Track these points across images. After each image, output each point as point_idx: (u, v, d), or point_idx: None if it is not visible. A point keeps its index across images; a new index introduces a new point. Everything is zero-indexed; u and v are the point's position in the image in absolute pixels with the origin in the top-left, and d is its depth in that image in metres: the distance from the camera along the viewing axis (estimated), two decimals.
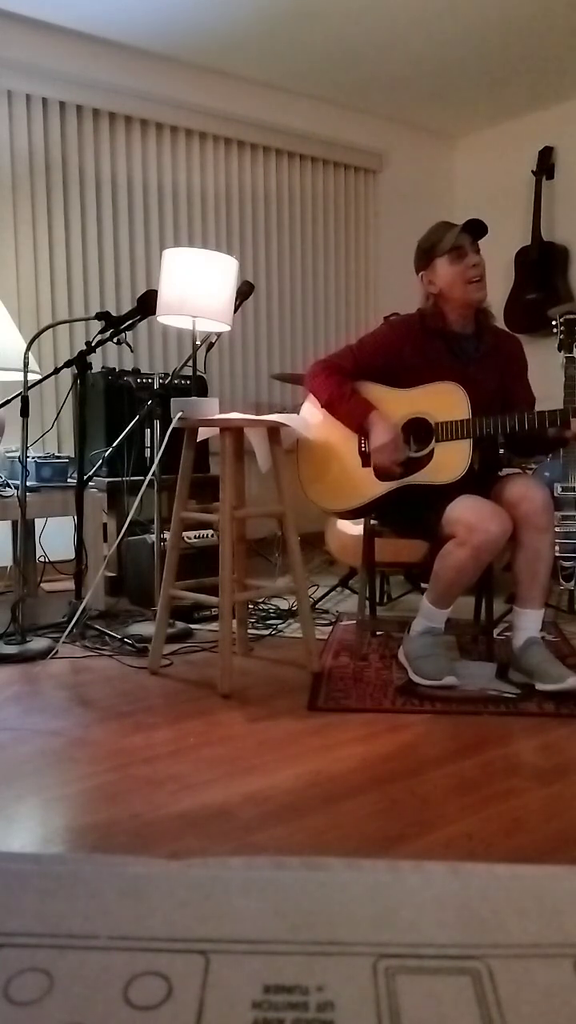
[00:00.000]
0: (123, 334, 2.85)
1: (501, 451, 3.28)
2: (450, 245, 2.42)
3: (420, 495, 2.40)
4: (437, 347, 2.49)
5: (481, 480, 2.39)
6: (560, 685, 2.18)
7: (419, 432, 2.45)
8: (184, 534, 2.91)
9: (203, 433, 2.56)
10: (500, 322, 2.80)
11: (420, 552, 2.83)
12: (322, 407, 2.57)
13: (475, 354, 2.50)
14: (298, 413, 2.68)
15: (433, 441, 2.41)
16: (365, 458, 2.51)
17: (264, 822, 1.57)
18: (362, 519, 2.70)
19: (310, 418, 2.63)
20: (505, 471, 2.85)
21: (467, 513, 2.24)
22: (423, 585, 2.74)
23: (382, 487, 2.47)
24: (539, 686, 2.23)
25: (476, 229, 2.43)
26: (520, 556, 2.31)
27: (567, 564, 3.12)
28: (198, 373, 3.32)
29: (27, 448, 2.77)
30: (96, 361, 3.56)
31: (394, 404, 2.48)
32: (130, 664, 2.59)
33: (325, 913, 0.42)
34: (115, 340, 2.85)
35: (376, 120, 5.11)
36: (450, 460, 2.36)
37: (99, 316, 2.82)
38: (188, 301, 2.62)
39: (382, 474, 2.46)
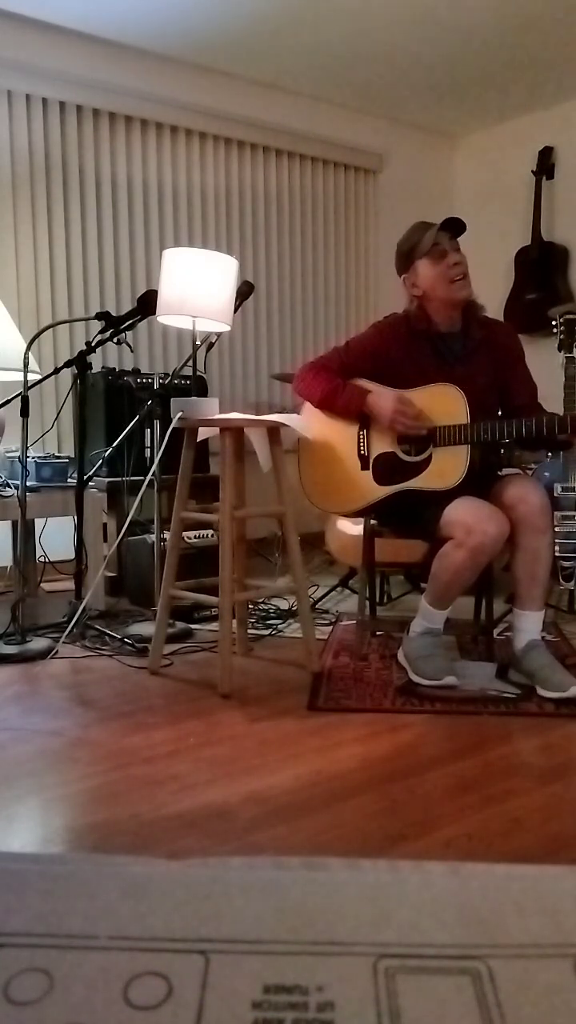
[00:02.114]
0: (123, 334, 2.85)
1: (502, 451, 3.28)
2: (429, 246, 2.41)
3: (419, 497, 2.40)
4: (423, 349, 2.48)
5: (480, 480, 2.38)
6: (563, 694, 2.18)
7: (417, 436, 2.45)
8: (184, 534, 2.91)
9: (203, 433, 2.56)
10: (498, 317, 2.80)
11: (420, 552, 2.83)
12: (316, 406, 2.57)
13: (462, 352, 2.48)
14: (298, 414, 2.68)
15: (431, 446, 2.41)
16: (364, 461, 2.52)
17: (264, 822, 1.57)
18: (362, 519, 2.70)
19: (308, 422, 2.64)
20: (505, 471, 2.85)
21: (465, 515, 2.24)
22: (423, 585, 2.74)
23: (381, 491, 2.47)
24: (541, 692, 2.23)
25: (454, 227, 2.40)
26: (518, 558, 2.30)
27: (567, 564, 3.12)
28: (198, 373, 3.32)
29: (27, 448, 2.77)
30: (96, 361, 3.56)
31: None
32: (130, 664, 2.59)
33: (325, 913, 0.42)
34: (115, 340, 2.85)
35: (376, 120, 5.11)
36: (447, 466, 2.36)
37: (99, 316, 2.82)
38: (188, 301, 2.62)
39: (403, 438, 2.44)
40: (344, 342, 2.62)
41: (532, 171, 4.94)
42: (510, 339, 2.57)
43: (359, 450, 2.52)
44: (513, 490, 2.31)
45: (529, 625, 2.34)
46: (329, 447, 2.58)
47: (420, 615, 2.42)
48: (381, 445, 2.50)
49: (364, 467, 2.51)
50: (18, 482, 2.87)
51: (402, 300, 2.63)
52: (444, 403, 2.38)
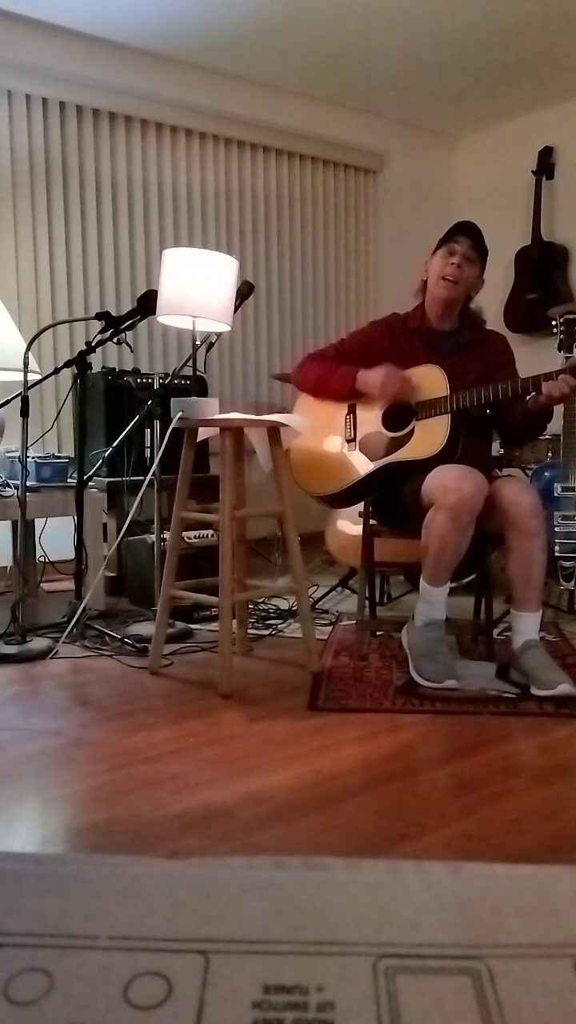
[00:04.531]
0: (123, 334, 2.85)
1: (501, 451, 3.28)
2: (442, 239, 2.55)
3: (406, 478, 2.43)
4: (416, 344, 2.60)
5: None
6: (550, 692, 2.19)
7: (401, 415, 2.54)
8: (184, 534, 2.91)
9: (203, 433, 2.56)
10: (499, 323, 2.85)
11: (420, 552, 2.84)
12: (311, 392, 2.71)
13: (452, 348, 2.60)
14: (293, 408, 2.75)
15: (413, 420, 2.50)
16: (352, 444, 2.63)
17: (264, 822, 1.57)
18: (361, 520, 2.70)
19: (300, 412, 2.73)
20: (505, 471, 2.85)
21: (441, 477, 2.30)
22: None
23: (368, 466, 2.56)
24: (533, 690, 2.24)
25: (467, 230, 2.53)
26: (512, 561, 2.32)
27: (567, 564, 3.12)
28: (198, 373, 3.32)
29: (27, 448, 2.77)
30: (96, 361, 3.56)
31: None
32: (130, 664, 2.59)
33: (325, 913, 0.42)
34: (115, 340, 2.85)
35: (376, 120, 5.11)
36: (429, 435, 2.45)
37: (99, 316, 2.82)
38: (188, 301, 2.62)
39: (393, 393, 2.53)
40: (340, 338, 2.78)
41: (532, 171, 4.94)
42: (501, 344, 2.69)
43: (346, 435, 2.65)
44: (505, 492, 2.32)
45: (525, 626, 2.35)
46: (318, 433, 2.69)
47: (421, 599, 2.42)
48: (367, 426, 2.62)
49: (351, 449, 2.63)
50: (18, 482, 2.87)
51: (403, 300, 2.78)
52: (426, 382, 2.50)
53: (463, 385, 2.45)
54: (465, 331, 2.62)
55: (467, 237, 2.52)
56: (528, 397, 2.39)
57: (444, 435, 2.40)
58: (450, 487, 2.25)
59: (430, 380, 2.48)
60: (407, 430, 2.51)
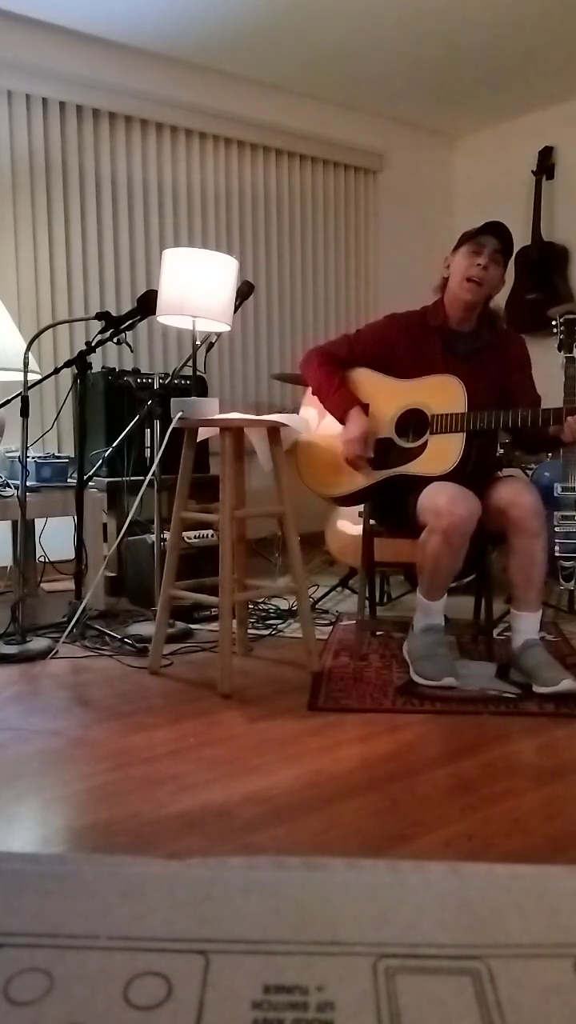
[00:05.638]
0: (123, 334, 2.85)
1: (501, 451, 3.28)
2: (470, 236, 2.48)
3: (411, 488, 2.42)
4: (432, 344, 2.53)
5: (475, 480, 2.39)
6: (553, 688, 2.19)
7: (415, 423, 2.49)
8: (184, 534, 2.91)
9: (203, 433, 2.56)
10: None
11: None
12: (312, 394, 2.68)
13: (470, 350, 2.54)
14: (297, 413, 2.72)
15: (428, 433, 2.44)
16: None
17: (264, 822, 1.57)
18: (361, 520, 2.70)
19: (309, 418, 2.68)
20: (505, 471, 2.84)
21: (435, 498, 2.27)
22: None
23: (375, 475, 2.52)
24: (535, 688, 2.24)
25: (502, 237, 2.46)
26: (513, 561, 2.32)
27: (567, 564, 3.11)
28: (198, 373, 3.32)
29: (27, 448, 2.77)
30: (96, 361, 3.56)
31: (392, 393, 2.54)
32: (130, 664, 2.59)
33: (325, 913, 0.42)
34: (115, 340, 2.85)
35: (376, 120, 5.11)
36: (442, 452, 2.40)
37: (99, 316, 2.82)
38: (188, 301, 2.62)
39: (352, 466, 2.53)
40: (356, 330, 2.70)
41: (532, 171, 4.94)
42: (518, 348, 2.62)
43: None
44: (506, 493, 2.32)
45: (526, 626, 2.35)
46: (328, 433, 2.64)
47: (418, 609, 2.43)
48: (379, 432, 2.55)
49: None
50: (18, 482, 2.87)
51: (403, 300, 2.72)
52: (444, 393, 2.43)
53: (478, 389, 2.40)
54: (484, 334, 2.55)
55: (495, 239, 2.46)
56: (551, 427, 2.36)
57: (457, 454, 2.35)
58: (442, 511, 2.23)
59: (449, 393, 2.41)
60: (420, 442, 2.45)
